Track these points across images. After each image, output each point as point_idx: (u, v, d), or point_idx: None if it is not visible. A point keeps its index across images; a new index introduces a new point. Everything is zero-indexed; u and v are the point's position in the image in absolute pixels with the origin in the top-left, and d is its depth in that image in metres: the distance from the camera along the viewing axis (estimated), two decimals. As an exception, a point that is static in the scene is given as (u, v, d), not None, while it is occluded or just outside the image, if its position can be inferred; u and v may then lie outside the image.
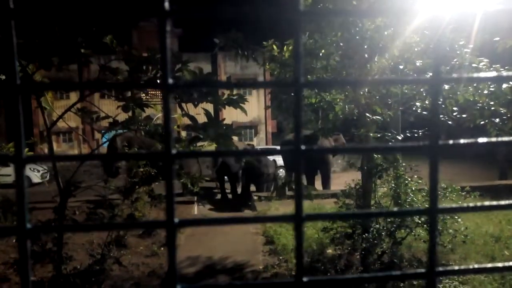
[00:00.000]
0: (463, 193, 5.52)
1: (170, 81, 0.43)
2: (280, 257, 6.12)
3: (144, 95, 4.00)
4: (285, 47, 5.88)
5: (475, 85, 5.15)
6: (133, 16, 0.47)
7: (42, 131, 19.01)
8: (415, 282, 4.82)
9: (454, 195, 5.38)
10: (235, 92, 3.38)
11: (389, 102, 5.87)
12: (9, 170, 13.16)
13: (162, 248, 6.64)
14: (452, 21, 4.89)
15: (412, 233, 5.22)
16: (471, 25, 5.14)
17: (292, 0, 0.44)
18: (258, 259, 6.14)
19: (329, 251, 6.07)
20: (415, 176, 5.40)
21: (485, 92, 5.19)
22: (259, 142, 22.25)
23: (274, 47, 5.98)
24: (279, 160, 14.56)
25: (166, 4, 0.44)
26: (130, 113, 3.65)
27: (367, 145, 0.49)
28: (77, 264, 5.03)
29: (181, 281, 0.47)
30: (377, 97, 5.63)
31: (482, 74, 0.54)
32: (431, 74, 0.50)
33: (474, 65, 5.21)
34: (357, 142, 5.95)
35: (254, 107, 21.35)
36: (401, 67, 5.37)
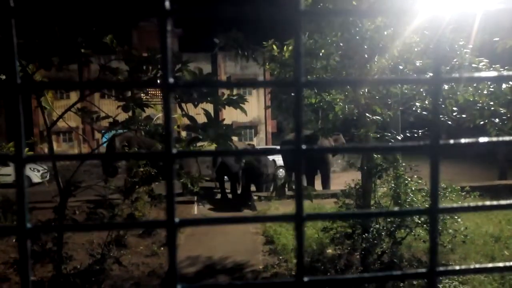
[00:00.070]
0: (463, 193, 5.52)
1: (171, 80, 0.43)
2: (280, 257, 6.12)
3: (144, 95, 4.00)
4: (285, 47, 5.88)
5: (475, 85, 5.15)
6: (134, 15, 0.47)
7: (42, 130, 19.02)
8: (415, 282, 4.82)
9: (454, 195, 5.38)
10: (235, 92, 3.38)
11: (389, 102, 5.87)
12: (9, 169, 13.17)
13: (162, 248, 6.64)
14: (452, 21, 4.90)
15: (412, 233, 5.22)
16: (471, 25, 5.14)
17: (292, 0, 0.44)
18: (258, 259, 6.14)
19: (329, 251, 6.07)
20: (415, 176, 5.40)
21: (485, 92, 5.20)
22: (259, 142, 22.25)
23: (274, 47, 5.98)
24: (279, 160, 14.57)
25: (167, 4, 0.44)
26: (130, 113, 3.65)
27: (368, 145, 0.49)
28: (77, 264, 5.03)
29: (181, 281, 0.47)
30: (377, 97, 5.63)
31: (482, 74, 0.54)
32: (431, 74, 0.50)
33: (474, 65, 5.22)
34: (357, 142, 5.95)
35: (254, 107, 21.35)
36: (401, 67, 5.37)
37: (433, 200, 0.45)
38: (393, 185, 5.36)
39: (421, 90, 5.61)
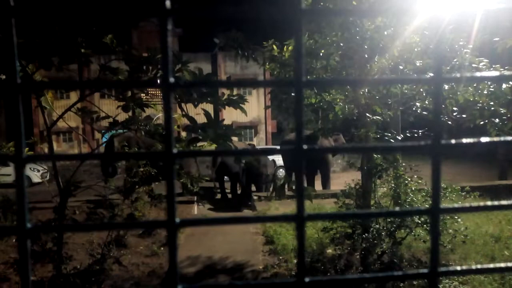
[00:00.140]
0: (463, 193, 5.52)
1: (171, 80, 0.43)
2: (280, 257, 6.12)
3: (144, 95, 4.00)
4: (285, 47, 5.88)
5: (475, 85, 5.15)
6: (135, 15, 0.47)
7: (42, 130, 19.02)
8: (415, 282, 4.82)
9: (454, 195, 5.38)
10: (235, 92, 3.38)
11: (389, 102, 5.87)
12: (9, 169, 13.17)
13: (162, 248, 6.64)
14: (452, 21, 4.90)
15: (412, 233, 5.22)
16: (471, 25, 5.14)
17: (293, -1, 0.44)
18: (258, 259, 6.14)
19: (329, 251, 6.07)
20: (415, 176, 5.40)
21: (485, 92, 5.20)
22: (259, 142, 22.24)
23: (274, 47, 5.98)
24: (279, 160, 14.56)
25: (167, 3, 0.44)
26: (130, 113, 3.64)
27: (369, 145, 0.48)
28: (77, 264, 5.03)
29: (181, 281, 0.46)
30: (377, 97, 5.63)
31: (483, 74, 0.54)
32: (431, 74, 0.50)
33: (474, 65, 5.22)
34: (357, 142, 5.95)
35: (254, 107, 21.33)
36: (401, 67, 5.37)
37: (435, 200, 0.45)
38: (393, 185, 5.36)
39: (421, 90, 5.61)
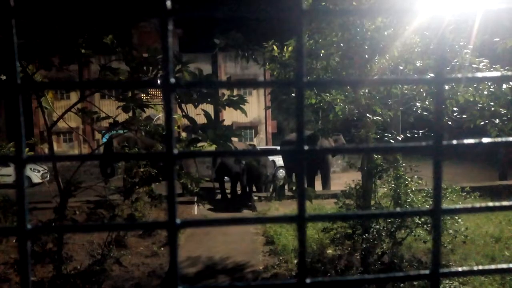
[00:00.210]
0: (463, 194, 5.52)
1: (172, 80, 0.42)
2: (280, 258, 6.11)
3: (144, 95, 4.00)
4: (285, 48, 5.88)
5: (475, 85, 5.15)
6: (135, 15, 0.47)
7: (42, 131, 19.02)
8: (415, 283, 4.81)
9: (454, 196, 5.38)
10: (235, 93, 3.38)
11: (389, 103, 5.87)
12: (10, 170, 13.16)
13: (162, 248, 6.64)
14: (452, 22, 4.90)
15: (412, 234, 5.22)
16: (471, 26, 5.14)
17: (294, -1, 0.44)
18: (258, 260, 6.14)
19: (329, 251, 6.06)
20: (415, 177, 5.40)
21: (485, 92, 5.20)
22: (259, 143, 22.24)
23: (275, 47, 5.98)
24: (279, 160, 14.56)
25: (168, 3, 0.43)
26: (130, 114, 3.64)
27: (370, 145, 0.48)
28: (77, 264, 5.02)
29: (182, 281, 0.46)
30: (377, 98, 5.63)
31: (484, 74, 0.54)
32: (431, 74, 0.49)
33: (474, 65, 5.22)
34: (357, 143, 5.95)
35: (254, 107, 21.33)
36: (401, 67, 5.37)
37: (437, 201, 0.45)
38: (393, 185, 5.35)
39: (421, 90, 5.61)
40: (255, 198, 10.34)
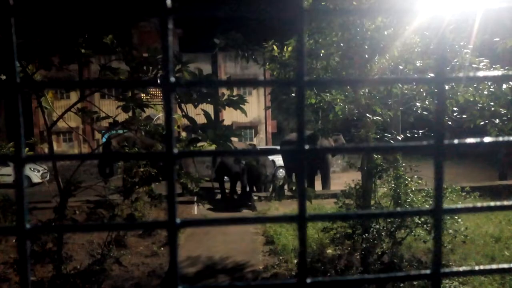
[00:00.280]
0: (463, 194, 5.52)
1: (172, 79, 0.42)
2: (280, 257, 6.11)
3: (144, 95, 4.00)
4: (285, 48, 5.88)
5: (475, 85, 5.15)
6: (136, 14, 0.46)
7: (42, 131, 19.01)
8: (415, 282, 4.81)
9: (454, 196, 5.38)
10: (235, 92, 3.37)
11: (389, 103, 5.87)
12: (9, 170, 13.17)
13: (162, 248, 6.64)
14: (452, 21, 4.90)
15: (412, 234, 5.22)
16: (471, 25, 5.14)
17: (295, -2, 0.43)
18: (258, 259, 6.14)
19: (329, 251, 6.07)
20: (415, 177, 5.40)
21: (485, 92, 5.20)
22: (259, 142, 22.24)
23: (275, 47, 5.98)
24: (279, 160, 14.56)
25: (168, 2, 0.43)
26: (130, 113, 3.64)
27: (371, 145, 0.48)
28: (77, 264, 5.02)
29: (182, 281, 0.46)
30: (377, 98, 5.63)
31: (485, 73, 0.53)
32: (431, 74, 0.49)
33: (474, 65, 5.22)
34: (357, 143, 5.95)
35: (254, 107, 21.33)
36: (401, 67, 5.37)
37: (438, 201, 0.44)
38: (393, 185, 5.35)
39: (421, 90, 5.61)
40: (255, 198, 10.34)
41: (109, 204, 4.51)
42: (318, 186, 11.65)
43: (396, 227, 5.16)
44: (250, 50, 7.55)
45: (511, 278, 5.07)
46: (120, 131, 4.11)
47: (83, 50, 3.37)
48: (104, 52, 3.53)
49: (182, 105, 3.43)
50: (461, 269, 0.45)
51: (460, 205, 0.47)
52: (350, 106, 5.92)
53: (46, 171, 14.89)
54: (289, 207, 8.52)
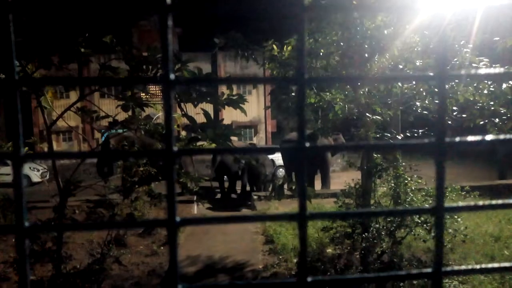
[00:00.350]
0: (463, 193, 5.53)
1: (172, 76, 0.42)
2: (280, 257, 6.11)
3: (144, 94, 3.99)
4: (285, 47, 5.87)
5: (475, 85, 5.15)
6: (135, 11, 0.46)
7: (42, 130, 19.00)
8: (415, 282, 4.81)
9: (454, 195, 5.38)
10: (234, 92, 3.37)
11: (389, 102, 5.87)
12: (9, 169, 13.15)
13: (162, 247, 6.64)
14: (452, 20, 4.89)
15: (412, 233, 5.22)
16: (471, 24, 5.14)
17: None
18: (258, 259, 6.14)
19: (329, 250, 6.07)
20: (415, 176, 5.40)
21: (485, 92, 5.20)
22: (259, 142, 22.24)
23: (274, 47, 5.97)
24: (278, 159, 14.56)
25: (168, -1, 0.43)
26: (130, 113, 3.63)
27: (373, 143, 0.48)
28: (76, 263, 5.02)
29: (182, 280, 0.46)
30: (377, 97, 5.63)
31: (486, 71, 0.53)
32: (431, 74, 0.49)
33: (474, 64, 5.22)
34: (357, 142, 5.95)
35: (254, 106, 21.33)
36: (401, 66, 5.37)
37: (439, 199, 0.44)
38: (393, 184, 5.35)
39: (421, 89, 5.61)
40: (255, 197, 10.34)
41: (108, 204, 4.51)
42: (318, 185, 11.65)
43: (396, 227, 5.17)
44: (249, 50, 7.55)
45: (510, 278, 5.08)
46: (120, 131, 4.10)
47: (82, 49, 3.36)
48: (104, 51, 3.53)
49: (182, 104, 3.43)
50: (463, 267, 0.44)
51: (461, 204, 0.47)
52: (349, 105, 5.92)
53: (45, 170, 14.88)
54: (289, 206, 8.52)
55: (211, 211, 9.96)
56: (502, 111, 5.22)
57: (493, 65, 5.20)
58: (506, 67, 5.18)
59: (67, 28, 3.29)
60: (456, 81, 4.92)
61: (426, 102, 5.63)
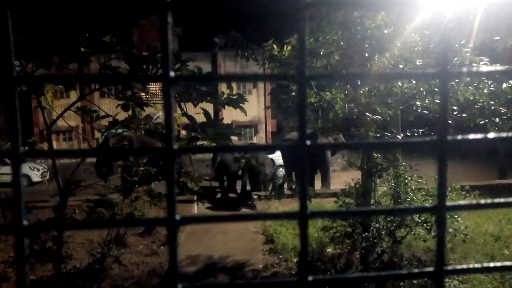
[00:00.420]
0: (463, 193, 5.52)
1: (172, 74, 0.42)
2: (280, 256, 6.11)
3: (144, 94, 3.99)
4: (285, 46, 5.87)
5: (475, 84, 5.15)
6: (135, 8, 0.46)
7: (42, 130, 19.00)
8: (414, 281, 4.81)
9: (454, 194, 5.38)
10: (234, 91, 3.37)
11: (389, 102, 5.87)
12: (9, 169, 13.15)
13: (162, 247, 6.64)
14: (453, 19, 4.89)
15: (412, 232, 5.22)
16: (471, 23, 5.14)
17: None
18: (258, 258, 6.14)
19: (329, 250, 6.06)
20: (415, 175, 5.40)
21: (485, 91, 5.20)
22: (258, 142, 22.24)
23: (274, 46, 5.97)
24: (278, 159, 14.56)
25: (167, -5, 0.43)
26: (130, 112, 3.63)
27: (374, 142, 0.48)
28: (77, 263, 5.02)
29: (181, 280, 0.46)
30: (377, 97, 5.63)
31: (488, 68, 0.53)
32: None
33: (474, 64, 5.21)
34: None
35: (254, 106, 21.34)
36: (401, 66, 5.37)
37: (441, 198, 0.44)
38: (393, 184, 5.35)
39: (421, 89, 5.61)
40: (255, 197, 10.34)
41: (109, 203, 4.50)
42: (318, 185, 11.65)
43: (396, 226, 5.16)
44: (249, 49, 7.54)
45: (511, 277, 5.07)
46: (120, 130, 4.09)
47: (82, 49, 3.36)
48: (104, 51, 3.52)
49: (182, 103, 3.43)
50: (465, 266, 0.44)
51: (463, 202, 0.46)
52: (350, 105, 5.92)
53: (46, 170, 14.88)
54: (289, 206, 8.52)
55: (211, 211, 9.96)
56: (502, 111, 5.22)
57: (494, 65, 5.20)
58: (506, 66, 5.18)
59: (67, 28, 3.29)
60: (457, 80, 4.92)
61: (426, 101, 5.63)
